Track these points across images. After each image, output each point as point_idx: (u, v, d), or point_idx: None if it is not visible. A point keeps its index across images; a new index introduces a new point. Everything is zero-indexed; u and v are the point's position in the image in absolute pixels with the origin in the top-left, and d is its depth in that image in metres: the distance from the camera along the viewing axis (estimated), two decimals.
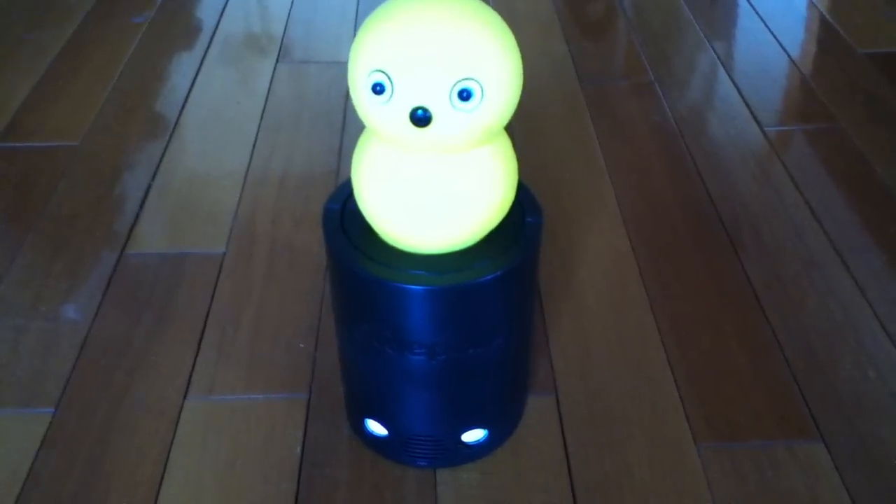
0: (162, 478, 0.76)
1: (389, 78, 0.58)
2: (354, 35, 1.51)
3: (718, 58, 1.44)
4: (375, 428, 0.77)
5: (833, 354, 0.88)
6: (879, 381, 0.85)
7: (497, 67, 0.59)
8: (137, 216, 1.08)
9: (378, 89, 0.58)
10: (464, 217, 0.64)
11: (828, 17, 1.57)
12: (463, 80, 0.58)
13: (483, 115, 0.59)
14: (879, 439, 0.80)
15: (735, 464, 0.78)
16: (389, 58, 0.58)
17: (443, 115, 0.58)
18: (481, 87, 0.58)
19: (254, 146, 1.21)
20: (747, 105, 1.31)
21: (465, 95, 0.58)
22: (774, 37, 1.50)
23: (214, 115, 1.29)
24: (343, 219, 0.70)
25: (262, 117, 1.28)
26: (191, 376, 0.86)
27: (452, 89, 0.58)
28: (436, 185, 0.63)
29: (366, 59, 0.59)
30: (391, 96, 0.58)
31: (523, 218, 0.70)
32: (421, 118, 0.58)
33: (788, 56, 1.44)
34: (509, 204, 0.67)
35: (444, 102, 0.58)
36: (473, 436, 0.76)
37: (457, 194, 0.63)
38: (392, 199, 0.64)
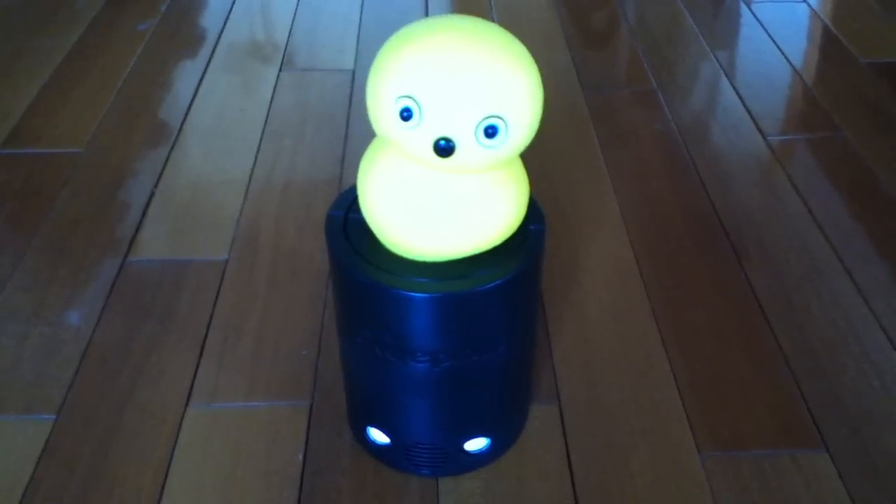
0: (164, 485, 0.76)
1: (419, 105, 0.58)
2: (358, 43, 1.52)
3: (721, 67, 1.44)
4: (378, 436, 0.77)
5: (837, 363, 0.88)
6: (883, 391, 0.85)
7: (523, 105, 0.60)
8: (140, 223, 1.08)
9: (406, 115, 0.59)
10: (473, 233, 0.65)
11: (830, 26, 1.57)
12: (490, 116, 0.58)
13: (505, 149, 0.60)
14: (883, 449, 0.80)
15: (738, 473, 0.77)
16: (420, 85, 0.58)
17: (466, 147, 0.59)
18: (506, 124, 0.59)
19: (257, 153, 1.21)
20: (750, 114, 1.31)
21: (490, 132, 0.59)
22: (777, 46, 1.50)
23: (218, 122, 1.29)
24: (346, 226, 0.70)
25: (265, 124, 1.28)
26: (193, 383, 0.86)
27: (479, 125, 0.58)
28: (448, 202, 0.63)
29: (395, 83, 0.59)
30: (419, 123, 0.59)
31: (526, 225, 0.70)
32: (445, 148, 0.59)
33: (791, 65, 1.44)
34: (519, 222, 0.68)
35: (469, 136, 0.59)
36: (476, 444, 0.76)
37: (468, 212, 0.64)
38: (401, 212, 0.64)
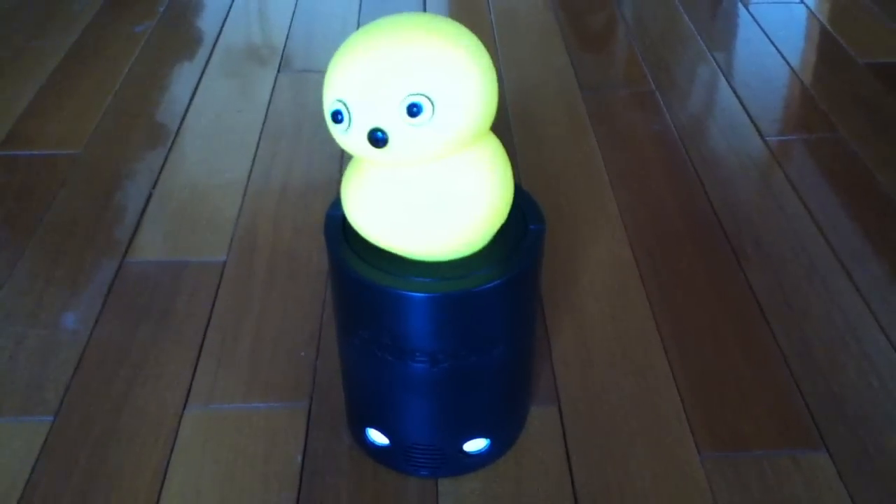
0: (161, 487, 0.76)
1: (346, 106, 0.59)
2: None
3: (719, 67, 1.44)
4: (376, 437, 0.76)
5: (836, 363, 0.88)
6: (883, 390, 0.85)
7: (447, 80, 0.59)
8: (138, 224, 1.07)
9: (338, 118, 0.60)
10: (456, 224, 0.64)
11: (828, 27, 1.57)
12: (410, 95, 0.58)
13: (439, 128, 0.59)
14: (883, 448, 0.79)
15: (738, 473, 0.77)
16: (344, 86, 0.59)
17: (398, 133, 0.59)
18: (431, 102, 0.58)
19: (255, 155, 1.21)
20: (748, 114, 1.31)
21: (414, 111, 0.58)
22: (775, 47, 1.50)
23: (215, 124, 1.29)
24: (344, 226, 0.70)
25: (263, 126, 1.28)
26: (191, 385, 0.85)
27: (401, 106, 0.58)
28: (421, 196, 0.63)
29: (328, 91, 0.61)
30: (350, 123, 0.59)
31: (525, 225, 0.70)
32: (378, 139, 0.59)
33: (789, 66, 1.44)
34: (504, 207, 0.67)
35: (396, 120, 0.58)
36: (475, 445, 0.76)
37: (444, 202, 0.63)
38: (379, 214, 0.64)
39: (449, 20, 0.62)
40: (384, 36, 0.59)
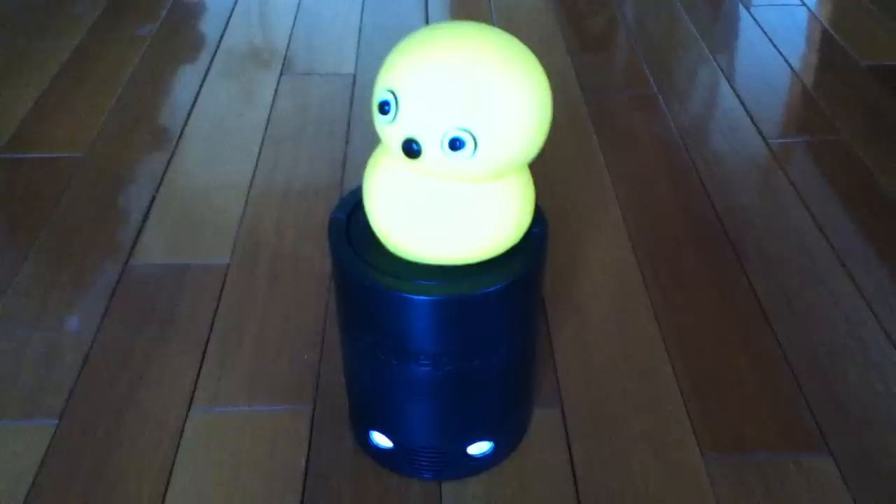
0: (165, 489, 0.76)
1: (396, 100, 0.58)
2: (358, 47, 1.52)
3: (721, 70, 1.45)
4: (380, 440, 0.77)
5: (839, 367, 0.88)
6: (886, 393, 0.85)
7: (496, 123, 0.58)
8: (141, 227, 1.08)
9: (385, 108, 0.59)
10: (475, 241, 0.64)
11: (830, 29, 1.57)
12: (456, 129, 0.57)
13: (476, 164, 0.59)
14: (887, 452, 0.79)
15: (742, 477, 0.77)
16: (400, 81, 0.58)
17: (432, 154, 0.58)
18: (474, 140, 0.57)
19: (257, 158, 1.21)
20: (750, 117, 1.31)
21: (456, 146, 0.57)
22: (777, 49, 1.50)
23: (218, 126, 1.29)
24: (348, 229, 0.70)
25: (265, 129, 1.28)
26: (194, 388, 0.86)
27: (444, 136, 0.57)
28: (441, 210, 0.63)
29: (383, 76, 0.60)
30: (394, 118, 0.59)
31: (528, 228, 0.70)
32: (411, 150, 0.58)
33: (791, 68, 1.44)
34: (522, 232, 0.67)
35: (434, 144, 0.58)
36: (479, 448, 0.76)
37: (465, 222, 0.63)
38: (401, 218, 0.64)
39: (523, 49, 0.61)
40: (455, 49, 0.58)
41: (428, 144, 0.58)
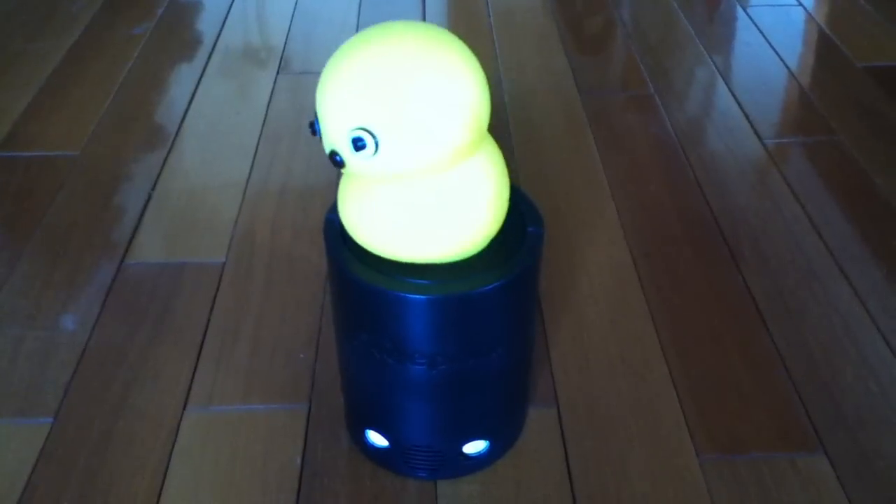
0: (161, 489, 0.76)
1: (318, 117, 0.60)
2: None
3: (718, 70, 1.45)
4: (376, 439, 0.76)
5: (834, 367, 0.88)
6: (881, 394, 0.85)
7: (394, 116, 0.57)
8: (137, 226, 1.07)
9: (314, 130, 0.61)
10: (452, 232, 0.64)
11: (826, 30, 1.57)
12: (354, 129, 0.57)
13: (386, 161, 0.59)
14: (881, 452, 0.80)
15: (736, 476, 0.77)
16: (317, 101, 0.60)
17: (349, 159, 0.59)
18: (374, 137, 0.57)
19: (254, 157, 1.21)
20: (747, 117, 1.31)
21: (359, 145, 0.58)
22: (774, 50, 1.51)
23: (214, 126, 1.29)
24: (343, 228, 0.70)
25: (262, 128, 1.28)
26: (190, 387, 0.85)
27: (348, 138, 0.58)
28: (416, 206, 0.63)
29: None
30: (321, 137, 0.61)
31: (524, 228, 0.70)
32: (337, 162, 0.60)
33: (788, 69, 1.45)
34: (501, 212, 0.67)
35: (346, 149, 0.59)
36: (474, 447, 0.76)
37: (439, 213, 0.63)
38: (374, 225, 0.64)
39: (433, 34, 0.59)
40: (348, 58, 0.59)
41: (343, 151, 0.59)
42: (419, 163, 0.60)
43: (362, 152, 0.58)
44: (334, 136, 0.59)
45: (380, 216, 0.64)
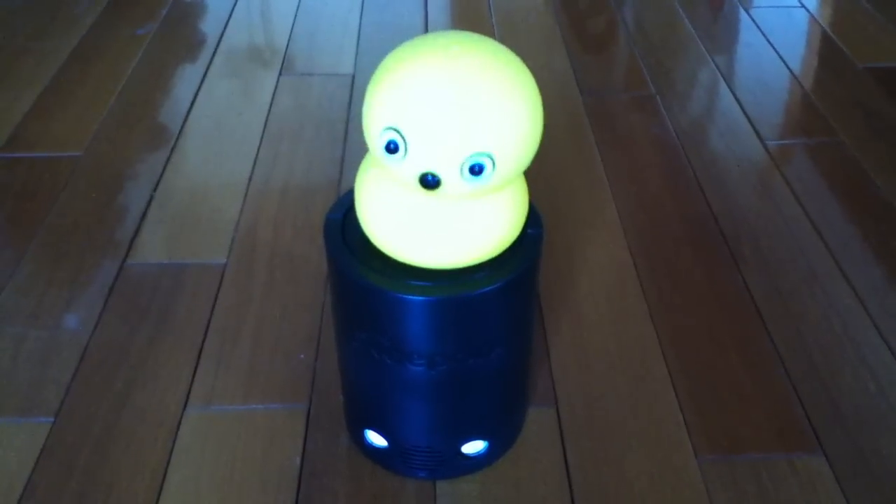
0: (161, 488, 0.76)
1: (403, 138, 0.57)
2: (357, 47, 1.52)
3: (720, 71, 1.45)
4: (375, 439, 0.77)
5: (833, 367, 0.88)
6: (880, 395, 0.85)
7: (511, 140, 0.58)
8: (139, 226, 1.08)
9: (392, 147, 0.58)
10: (472, 249, 0.64)
11: (829, 31, 1.57)
12: (475, 154, 0.57)
13: (493, 182, 0.59)
14: (880, 453, 0.80)
15: (735, 476, 0.78)
16: (405, 118, 0.57)
17: (451, 182, 0.58)
18: (493, 161, 0.58)
19: (256, 157, 1.22)
20: (748, 118, 1.31)
21: (476, 170, 0.57)
22: (776, 51, 1.50)
23: (217, 126, 1.29)
24: (344, 229, 0.70)
25: (264, 128, 1.28)
26: (190, 386, 0.86)
27: (464, 163, 0.57)
28: (441, 221, 0.63)
29: (381, 113, 0.59)
30: (405, 156, 0.58)
31: (524, 229, 0.70)
32: (430, 183, 0.58)
33: (789, 70, 1.45)
34: (517, 234, 0.68)
35: (454, 172, 0.58)
36: (473, 447, 0.76)
37: (467, 232, 0.63)
38: (394, 227, 0.64)
39: (509, 54, 0.61)
40: (452, 73, 0.57)
41: (446, 175, 0.58)
42: (512, 179, 0.61)
43: (479, 176, 0.58)
44: (439, 159, 0.57)
45: (402, 221, 0.63)
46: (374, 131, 0.59)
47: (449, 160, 0.57)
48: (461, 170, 0.58)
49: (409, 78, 0.57)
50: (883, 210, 1.11)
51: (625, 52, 1.54)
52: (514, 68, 0.60)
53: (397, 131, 0.57)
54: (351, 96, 1.36)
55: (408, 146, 0.57)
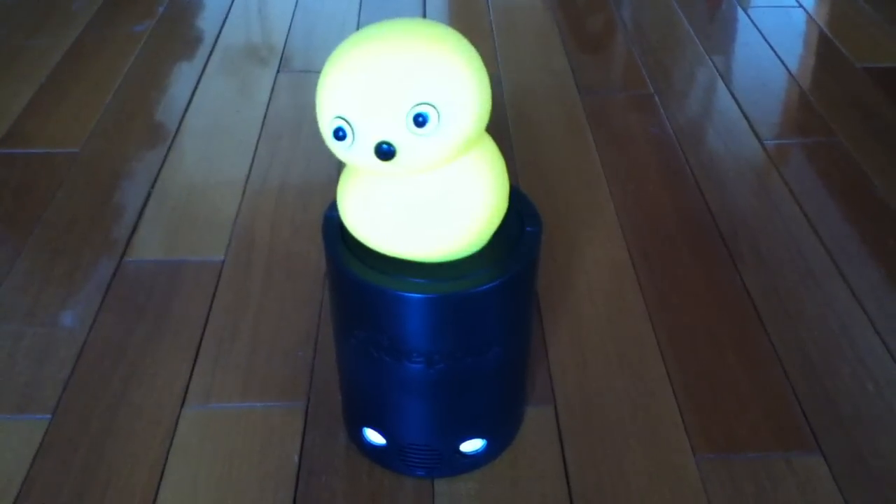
0: (158, 486, 0.76)
1: (349, 122, 0.59)
2: None
3: (717, 71, 1.45)
4: (373, 437, 0.77)
5: (831, 367, 0.88)
6: (877, 394, 0.85)
7: (451, 86, 0.59)
8: (136, 223, 1.08)
9: (340, 135, 0.59)
10: (456, 228, 0.64)
11: (826, 31, 1.57)
12: (416, 105, 0.57)
13: (446, 136, 0.59)
14: (878, 452, 0.80)
15: (733, 476, 0.78)
16: (345, 102, 0.58)
17: (406, 144, 0.58)
18: (437, 111, 0.58)
19: (253, 155, 1.22)
20: (746, 118, 1.31)
21: (420, 121, 0.58)
22: (773, 51, 1.51)
23: (214, 123, 1.29)
24: (342, 227, 0.70)
25: (262, 126, 1.28)
26: (188, 384, 0.86)
27: (408, 117, 0.58)
28: (419, 202, 0.63)
29: (327, 108, 0.60)
30: (353, 140, 0.59)
31: (522, 227, 0.70)
32: (386, 152, 0.58)
33: (787, 70, 1.45)
34: (502, 207, 0.67)
35: (403, 132, 0.58)
36: (471, 445, 0.76)
37: (445, 208, 0.63)
38: (378, 221, 0.64)
39: (436, 24, 0.62)
40: (381, 45, 0.59)
41: (397, 138, 0.58)
42: (468, 137, 0.61)
43: (425, 127, 0.58)
44: (385, 124, 0.58)
45: (379, 211, 0.64)
46: (325, 126, 0.60)
47: (394, 121, 0.58)
48: (408, 127, 0.58)
49: (343, 64, 0.59)
50: (880, 210, 1.11)
51: (623, 52, 1.54)
52: (444, 30, 0.61)
53: (342, 118, 0.59)
54: None
55: (354, 128, 0.58)
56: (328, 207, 0.72)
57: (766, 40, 1.54)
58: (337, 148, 0.60)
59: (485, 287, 0.65)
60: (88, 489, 0.76)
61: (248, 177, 1.17)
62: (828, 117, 1.31)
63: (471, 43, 0.63)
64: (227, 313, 0.94)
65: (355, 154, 0.60)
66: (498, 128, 1.25)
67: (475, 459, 0.77)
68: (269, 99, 1.35)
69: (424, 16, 1.63)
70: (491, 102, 0.63)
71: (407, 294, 0.64)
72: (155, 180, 1.16)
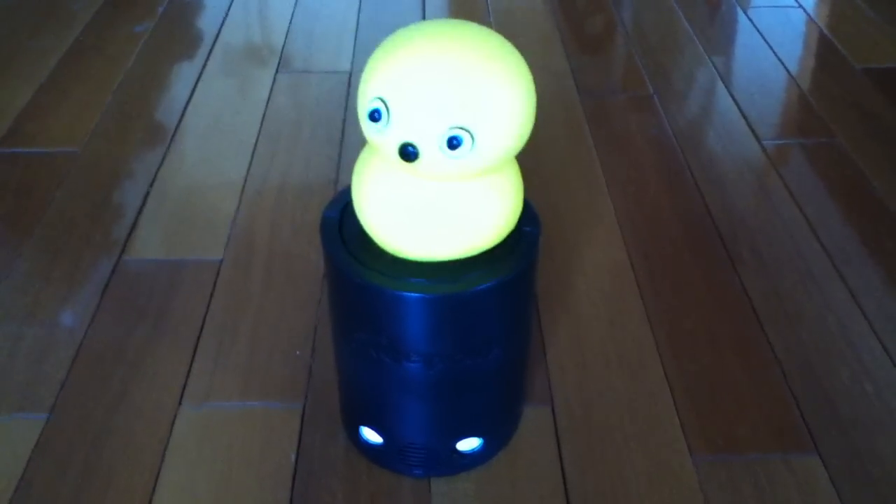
0: (156, 485, 0.76)
1: (387, 107, 0.58)
2: (355, 45, 1.52)
3: (717, 72, 1.45)
4: (371, 436, 0.77)
5: (830, 368, 0.88)
6: (876, 396, 0.85)
7: (492, 118, 0.58)
8: (135, 223, 1.08)
9: (375, 116, 0.59)
10: (464, 238, 0.65)
11: (826, 32, 1.57)
12: (452, 128, 0.57)
13: (473, 161, 0.59)
14: (876, 453, 0.80)
15: (731, 476, 0.78)
16: (389, 87, 0.58)
17: (430, 155, 0.59)
18: (472, 137, 0.58)
19: (253, 155, 1.22)
20: (746, 119, 1.31)
21: (453, 144, 0.58)
22: (773, 52, 1.51)
23: (214, 123, 1.29)
24: (341, 227, 0.70)
25: (261, 126, 1.28)
26: (186, 384, 0.86)
27: (442, 136, 0.58)
28: (435, 208, 0.63)
29: (369, 84, 0.60)
30: (386, 126, 0.59)
31: (521, 228, 0.70)
32: (409, 154, 0.58)
33: (787, 71, 1.45)
34: (512, 226, 0.68)
35: (432, 145, 0.58)
36: (468, 444, 0.76)
37: (457, 218, 0.64)
38: (390, 215, 0.64)
39: (503, 41, 0.62)
40: (438, 50, 0.58)
41: (425, 147, 0.58)
42: (496, 162, 0.61)
43: (456, 150, 0.58)
44: (418, 129, 0.58)
45: (391, 205, 0.64)
46: (362, 102, 0.61)
47: (428, 131, 0.58)
48: (440, 143, 0.58)
49: (398, 52, 0.59)
50: (880, 211, 1.11)
51: (623, 53, 1.54)
52: (504, 51, 0.61)
53: (382, 101, 0.59)
54: (348, 94, 1.36)
55: (390, 116, 0.58)
56: (326, 207, 0.72)
57: (765, 41, 1.54)
58: (368, 128, 0.60)
59: (484, 288, 0.65)
60: (86, 489, 0.76)
61: (247, 177, 1.17)
62: (827, 118, 1.31)
63: (526, 65, 0.62)
64: (225, 313, 0.94)
65: (383, 140, 0.60)
66: None
67: (473, 459, 0.77)
68: (269, 99, 1.35)
69: (424, 16, 1.63)
70: (531, 129, 0.62)
71: (406, 294, 0.64)
72: (154, 180, 1.16)
